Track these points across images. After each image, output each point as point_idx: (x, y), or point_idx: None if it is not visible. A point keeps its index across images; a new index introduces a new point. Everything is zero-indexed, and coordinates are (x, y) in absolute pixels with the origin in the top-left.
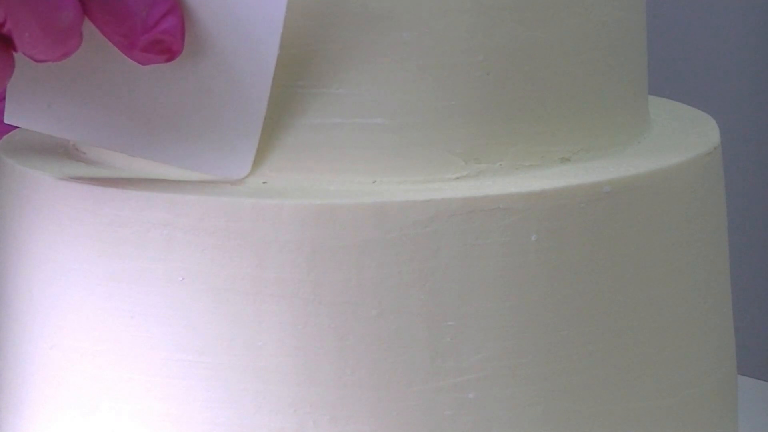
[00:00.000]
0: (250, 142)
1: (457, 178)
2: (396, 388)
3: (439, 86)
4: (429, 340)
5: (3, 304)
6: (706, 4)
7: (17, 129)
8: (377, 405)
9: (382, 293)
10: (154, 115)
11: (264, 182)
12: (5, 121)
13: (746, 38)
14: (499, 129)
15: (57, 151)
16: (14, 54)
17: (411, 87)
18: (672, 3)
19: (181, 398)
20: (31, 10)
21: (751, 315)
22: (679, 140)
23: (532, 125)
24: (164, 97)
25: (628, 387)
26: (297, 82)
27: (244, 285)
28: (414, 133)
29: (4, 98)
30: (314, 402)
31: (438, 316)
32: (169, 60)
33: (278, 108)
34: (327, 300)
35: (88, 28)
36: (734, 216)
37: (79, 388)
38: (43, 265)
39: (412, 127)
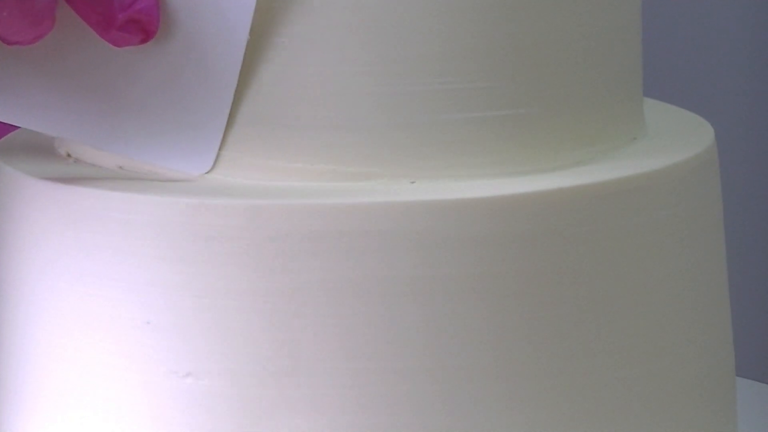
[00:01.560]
0: (214, 135)
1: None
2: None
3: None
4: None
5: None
6: (700, 7)
7: (16, 131)
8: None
9: (536, 285)
10: (119, 105)
11: (412, 182)
12: None
13: (740, 40)
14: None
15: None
16: None
17: (546, 78)
18: (666, 6)
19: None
20: None
21: (750, 316)
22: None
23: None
24: (129, 86)
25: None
26: (445, 78)
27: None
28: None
29: None
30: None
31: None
32: (144, 41)
33: (421, 106)
34: (520, 291)
35: (58, 14)
36: (732, 218)
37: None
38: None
39: (551, 117)
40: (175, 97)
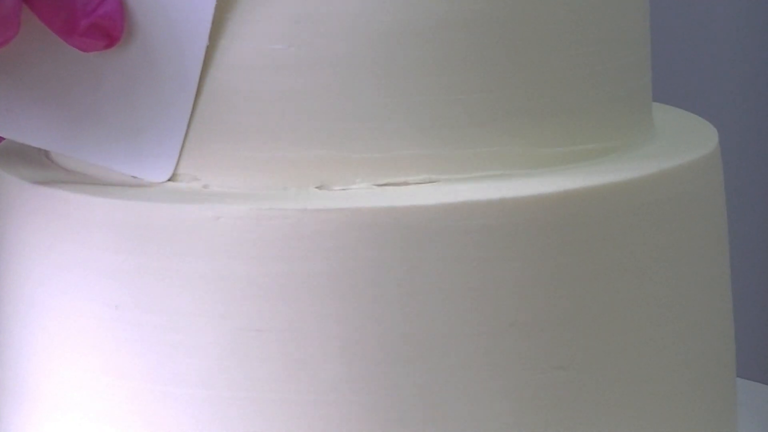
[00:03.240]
0: (174, 142)
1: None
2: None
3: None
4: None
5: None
6: (703, 11)
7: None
8: None
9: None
10: (80, 111)
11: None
12: None
13: (743, 44)
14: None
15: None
16: None
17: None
18: (671, 10)
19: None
20: None
21: (751, 317)
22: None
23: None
24: (91, 92)
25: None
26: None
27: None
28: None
29: None
30: None
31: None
32: (108, 46)
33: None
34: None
35: (22, 20)
36: (735, 219)
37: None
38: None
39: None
40: (136, 103)
